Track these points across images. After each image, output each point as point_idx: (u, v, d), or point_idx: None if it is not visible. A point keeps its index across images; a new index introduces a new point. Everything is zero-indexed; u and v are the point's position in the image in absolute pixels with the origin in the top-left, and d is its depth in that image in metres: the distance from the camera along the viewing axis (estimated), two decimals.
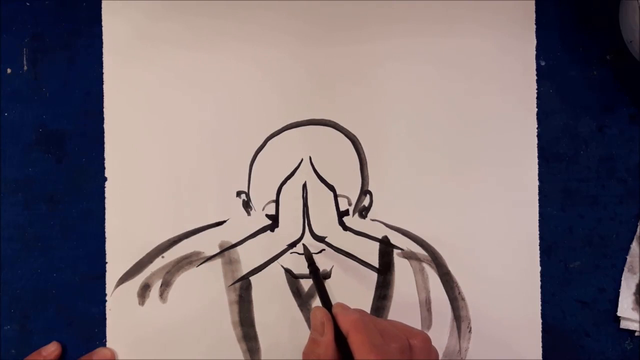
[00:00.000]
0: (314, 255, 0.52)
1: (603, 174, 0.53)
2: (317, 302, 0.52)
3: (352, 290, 0.52)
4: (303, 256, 0.52)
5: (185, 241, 0.53)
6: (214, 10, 0.53)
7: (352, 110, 0.53)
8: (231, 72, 0.53)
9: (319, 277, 0.50)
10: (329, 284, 0.52)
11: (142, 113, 0.53)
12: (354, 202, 0.53)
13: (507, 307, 0.52)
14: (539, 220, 0.53)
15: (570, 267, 0.53)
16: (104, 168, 0.53)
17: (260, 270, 0.52)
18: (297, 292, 0.52)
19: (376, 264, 0.52)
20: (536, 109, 0.53)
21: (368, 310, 0.52)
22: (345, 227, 0.53)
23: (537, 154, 0.53)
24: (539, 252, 0.52)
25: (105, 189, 0.53)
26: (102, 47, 0.53)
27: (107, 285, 0.52)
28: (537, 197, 0.53)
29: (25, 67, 0.54)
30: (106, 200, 0.53)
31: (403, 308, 0.52)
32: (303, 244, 0.52)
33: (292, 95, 0.53)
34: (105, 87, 0.53)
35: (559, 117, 0.53)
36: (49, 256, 0.53)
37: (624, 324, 0.52)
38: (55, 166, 0.53)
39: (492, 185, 0.53)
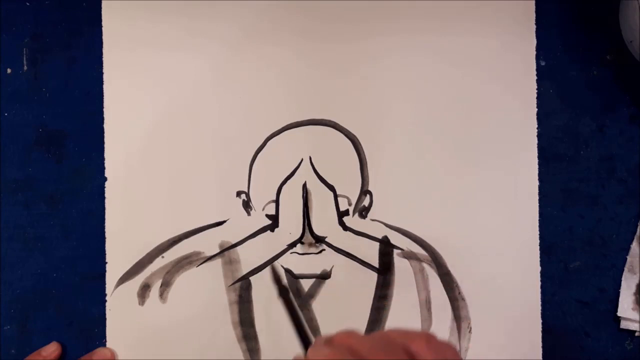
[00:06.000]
0: (314, 255, 0.52)
1: (603, 174, 0.53)
2: (317, 302, 0.52)
3: (352, 290, 0.52)
4: (303, 257, 0.52)
5: (185, 241, 0.53)
6: (214, 11, 0.53)
7: (352, 110, 0.53)
8: (231, 72, 0.53)
9: (290, 301, 0.48)
10: (329, 284, 0.52)
11: (142, 113, 0.53)
12: (354, 202, 0.53)
13: (507, 307, 0.52)
14: (539, 220, 0.52)
15: (570, 267, 0.53)
16: (104, 168, 0.53)
17: (260, 270, 0.52)
18: (297, 292, 0.52)
19: (376, 264, 0.52)
20: (536, 109, 0.53)
21: (368, 310, 0.52)
22: (345, 227, 0.53)
23: (537, 154, 0.53)
24: (539, 252, 0.52)
25: (105, 189, 0.53)
26: (102, 47, 0.53)
27: (107, 285, 0.52)
28: (537, 197, 0.53)
29: (25, 67, 0.54)
30: (106, 200, 0.53)
31: (403, 308, 0.52)
32: (272, 268, 0.52)
33: (292, 95, 0.53)
34: (105, 87, 0.53)
35: (559, 117, 0.53)
36: (49, 256, 0.53)
37: (624, 324, 0.52)
38: (55, 166, 0.53)
39: (492, 185, 0.53)
